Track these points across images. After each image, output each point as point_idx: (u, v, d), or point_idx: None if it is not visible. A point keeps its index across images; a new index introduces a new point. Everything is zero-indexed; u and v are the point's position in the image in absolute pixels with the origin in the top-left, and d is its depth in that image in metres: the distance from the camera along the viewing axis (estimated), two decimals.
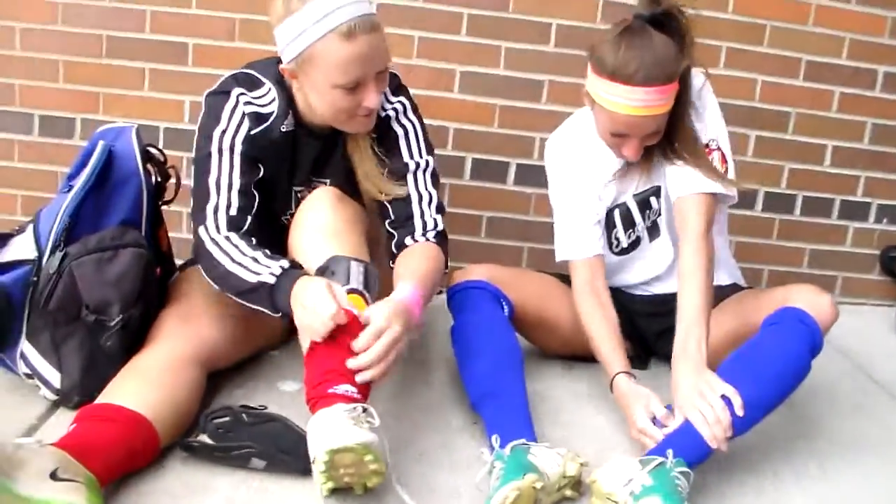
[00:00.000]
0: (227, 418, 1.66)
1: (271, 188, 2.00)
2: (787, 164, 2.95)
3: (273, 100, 1.94)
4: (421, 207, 2.02)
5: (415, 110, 2.07)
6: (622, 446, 1.90)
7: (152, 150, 2.04)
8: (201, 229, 1.85)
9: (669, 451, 1.63)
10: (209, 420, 1.66)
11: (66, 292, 1.77)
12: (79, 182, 1.86)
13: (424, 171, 2.04)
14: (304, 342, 1.71)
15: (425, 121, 2.11)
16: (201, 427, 1.67)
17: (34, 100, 2.76)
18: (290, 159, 2.01)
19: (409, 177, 2.03)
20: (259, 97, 1.93)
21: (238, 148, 1.89)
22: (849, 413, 2.17)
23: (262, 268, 1.76)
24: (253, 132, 1.90)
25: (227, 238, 1.83)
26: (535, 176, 2.82)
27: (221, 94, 1.92)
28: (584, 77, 1.93)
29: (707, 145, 2.00)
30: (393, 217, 2.02)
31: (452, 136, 2.82)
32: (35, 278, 1.79)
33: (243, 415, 1.67)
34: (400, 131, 2.04)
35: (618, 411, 2.03)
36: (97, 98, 2.76)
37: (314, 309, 1.62)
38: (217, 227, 1.84)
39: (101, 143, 1.90)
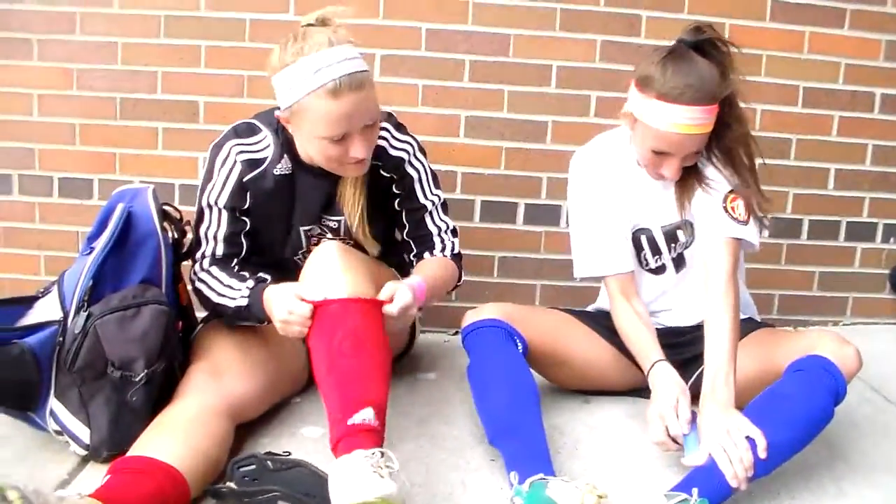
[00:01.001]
0: (252, 466, 1.70)
1: (272, 229, 2.13)
2: (791, 189, 2.98)
3: (268, 145, 2.06)
4: (441, 236, 2.21)
5: (421, 149, 2.20)
6: (641, 477, 1.92)
7: (168, 209, 2.11)
8: (192, 272, 2.11)
9: (695, 490, 1.67)
10: (236, 469, 1.70)
11: (91, 351, 1.82)
12: (99, 244, 1.92)
13: (438, 206, 2.21)
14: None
15: (433, 166, 2.22)
16: (229, 476, 1.71)
17: (53, 163, 2.83)
18: (290, 200, 2.11)
19: (427, 216, 2.20)
20: (253, 143, 2.06)
21: (223, 202, 2.05)
22: (865, 432, 2.19)
23: (236, 293, 1.99)
24: (246, 178, 2.04)
25: (209, 272, 2.08)
26: (543, 215, 2.89)
27: (218, 146, 2.07)
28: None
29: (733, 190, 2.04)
30: (416, 251, 2.24)
31: (461, 179, 2.86)
32: (61, 338, 1.84)
33: (268, 462, 1.71)
34: (414, 175, 2.17)
35: (635, 442, 2.05)
36: (113, 158, 2.83)
37: (289, 318, 1.80)
38: (202, 267, 2.09)
39: (119, 206, 1.95)
